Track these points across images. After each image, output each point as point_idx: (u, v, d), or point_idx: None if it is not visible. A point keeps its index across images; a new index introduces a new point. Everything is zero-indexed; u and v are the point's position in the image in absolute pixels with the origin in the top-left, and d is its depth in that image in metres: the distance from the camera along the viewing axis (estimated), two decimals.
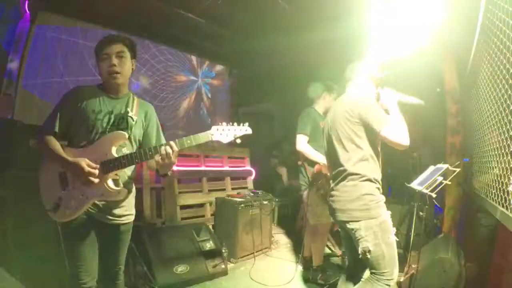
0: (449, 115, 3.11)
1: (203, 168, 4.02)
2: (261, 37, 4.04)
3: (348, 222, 1.59)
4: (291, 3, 3.27)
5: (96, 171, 1.37)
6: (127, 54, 1.48)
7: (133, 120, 1.50)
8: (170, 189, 3.65)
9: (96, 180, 1.37)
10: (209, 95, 5.67)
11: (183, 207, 3.66)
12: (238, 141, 1.41)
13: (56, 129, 1.42)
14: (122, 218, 1.51)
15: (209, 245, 2.87)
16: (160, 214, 3.61)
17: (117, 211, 1.48)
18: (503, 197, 1.54)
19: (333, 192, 1.71)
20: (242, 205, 3.22)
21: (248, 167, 4.56)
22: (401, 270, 2.82)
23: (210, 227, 3.29)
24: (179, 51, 5.03)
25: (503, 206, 1.53)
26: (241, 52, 4.91)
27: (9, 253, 2.17)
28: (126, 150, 1.48)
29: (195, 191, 3.88)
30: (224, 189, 4.10)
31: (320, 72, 3.28)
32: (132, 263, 2.40)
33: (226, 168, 4.29)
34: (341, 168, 1.66)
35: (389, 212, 1.61)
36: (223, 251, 2.90)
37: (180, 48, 4.89)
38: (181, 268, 2.55)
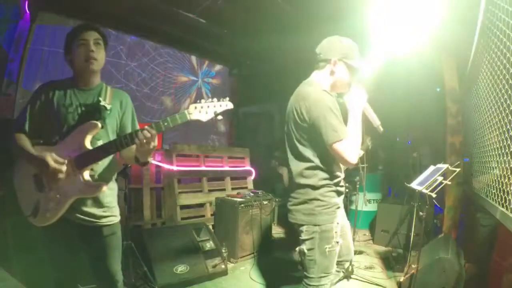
0: (449, 115, 3.11)
1: (203, 168, 4.03)
2: (261, 37, 4.03)
3: (294, 223, 1.55)
4: (291, 3, 3.27)
5: (64, 167, 1.27)
6: (102, 43, 1.43)
7: (106, 109, 1.40)
8: (170, 189, 3.65)
9: (63, 176, 1.27)
10: (209, 95, 5.67)
11: (183, 207, 3.66)
12: (219, 117, 1.29)
13: (26, 127, 1.36)
14: (103, 220, 1.40)
15: (209, 245, 2.86)
16: (160, 214, 3.61)
17: (95, 212, 1.38)
18: (503, 197, 1.54)
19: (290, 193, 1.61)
20: (242, 205, 3.21)
21: (248, 167, 4.57)
22: (401, 270, 2.85)
23: (210, 227, 3.29)
24: (179, 51, 5.03)
25: (503, 206, 1.53)
26: (241, 52, 4.90)
27: (9, 253, 2.17)
28: (102, 142, 1.38)
29: (195, 191, 3.89)
30: (224, 189, 4.11)
31: None
32: (132, 263, 2.40)
33: (226, 168, 4.29)
34: (291, 174, 1.54)
35: (340, 223, 1.49)
36: (223, 251, 2.91)
37: (180, 48, 4.89)
38: (181, 268, 2.55)
